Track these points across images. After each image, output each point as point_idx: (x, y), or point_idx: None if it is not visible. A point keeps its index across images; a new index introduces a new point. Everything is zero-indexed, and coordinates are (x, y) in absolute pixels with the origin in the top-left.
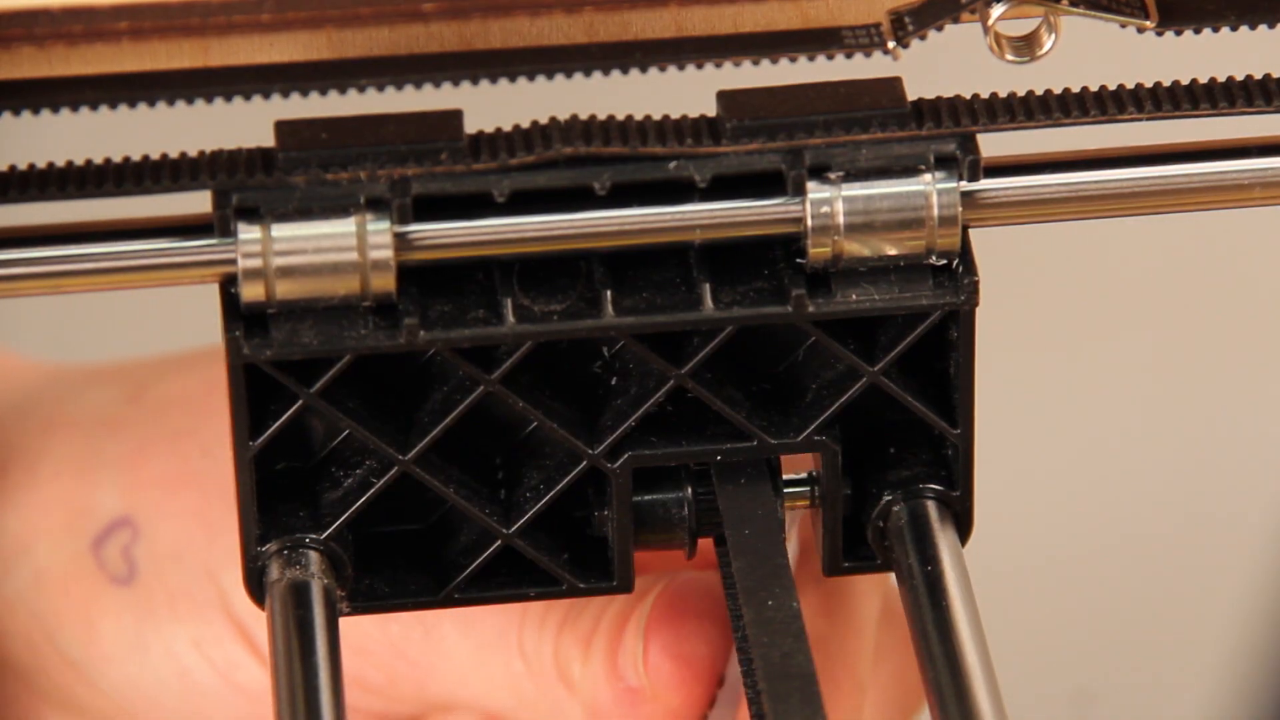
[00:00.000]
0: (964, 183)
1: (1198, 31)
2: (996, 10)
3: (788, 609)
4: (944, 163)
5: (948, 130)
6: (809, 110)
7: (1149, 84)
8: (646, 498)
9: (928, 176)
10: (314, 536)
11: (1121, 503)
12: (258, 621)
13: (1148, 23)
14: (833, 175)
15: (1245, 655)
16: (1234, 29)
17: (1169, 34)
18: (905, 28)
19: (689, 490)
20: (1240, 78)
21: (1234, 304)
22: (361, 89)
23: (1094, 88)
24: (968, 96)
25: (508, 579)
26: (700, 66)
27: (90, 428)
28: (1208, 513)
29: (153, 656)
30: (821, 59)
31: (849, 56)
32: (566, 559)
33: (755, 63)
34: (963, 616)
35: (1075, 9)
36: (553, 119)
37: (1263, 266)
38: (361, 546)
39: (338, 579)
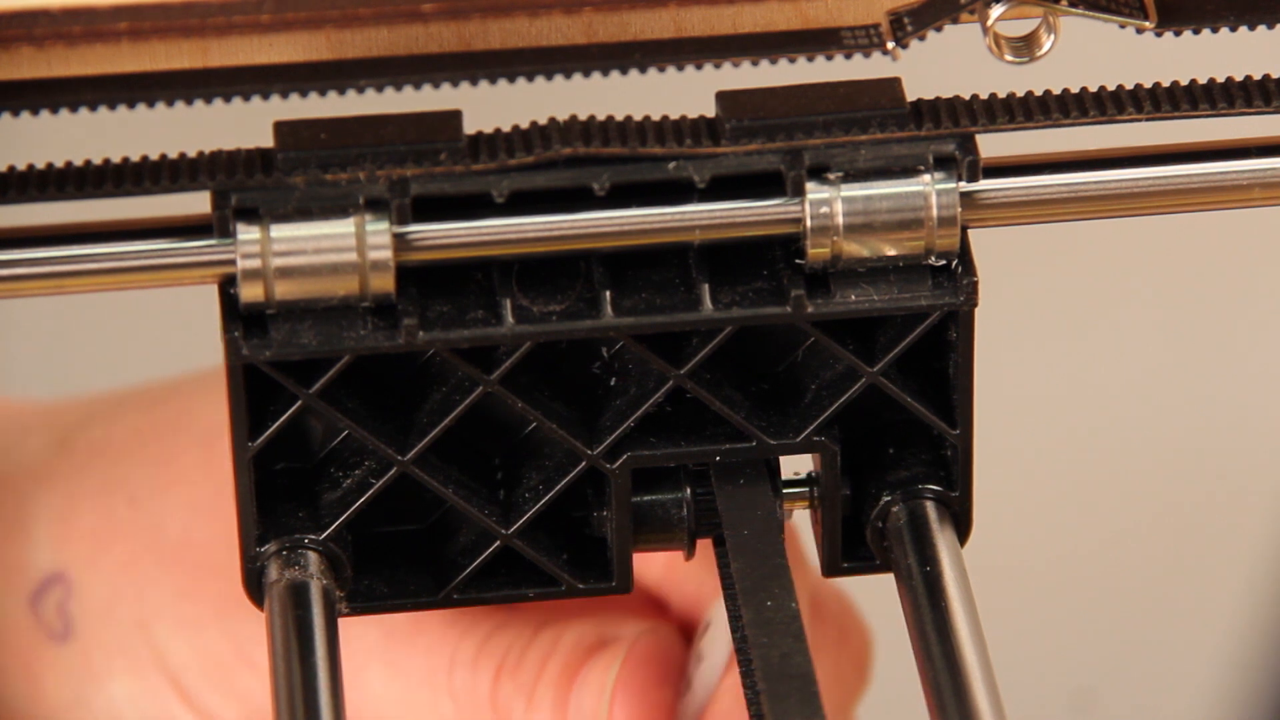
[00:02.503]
0: (963, 183)
1: (1197, 32)
2: (996, 11)
3: (786, 609)
4: (943, 163)
5: (947, 131)
6: (808, 111)
7: (1148, 84)
8: (646, 498)
9: (927, 177)
10: (313, 537)
11: (1121, 503)
12: (191, 675)
13: (1147, 23)
14: (832, 176)
15: (1245, 655)
16: (1233, 29)
17: (1168, 34)
18: (904, 28)
19: (688, 491)
20: (1240, 78)
21: (1234, 305)
22: (360, 89)
23: (1094, 88)
24: (967, 97)
25: (507, 579)
26: (699, 67)
27: (22, 481)
28: (1207, 512)
29: (95, 713)
30: (821, 59)
31: (848, 57)
32: (565, 559)
33: (754, 63)
34: (962, 617)
35: (1074, 9)
36: (552, 119)
37: (1263, 267)
38: (361, 547)
39: (337, 579)
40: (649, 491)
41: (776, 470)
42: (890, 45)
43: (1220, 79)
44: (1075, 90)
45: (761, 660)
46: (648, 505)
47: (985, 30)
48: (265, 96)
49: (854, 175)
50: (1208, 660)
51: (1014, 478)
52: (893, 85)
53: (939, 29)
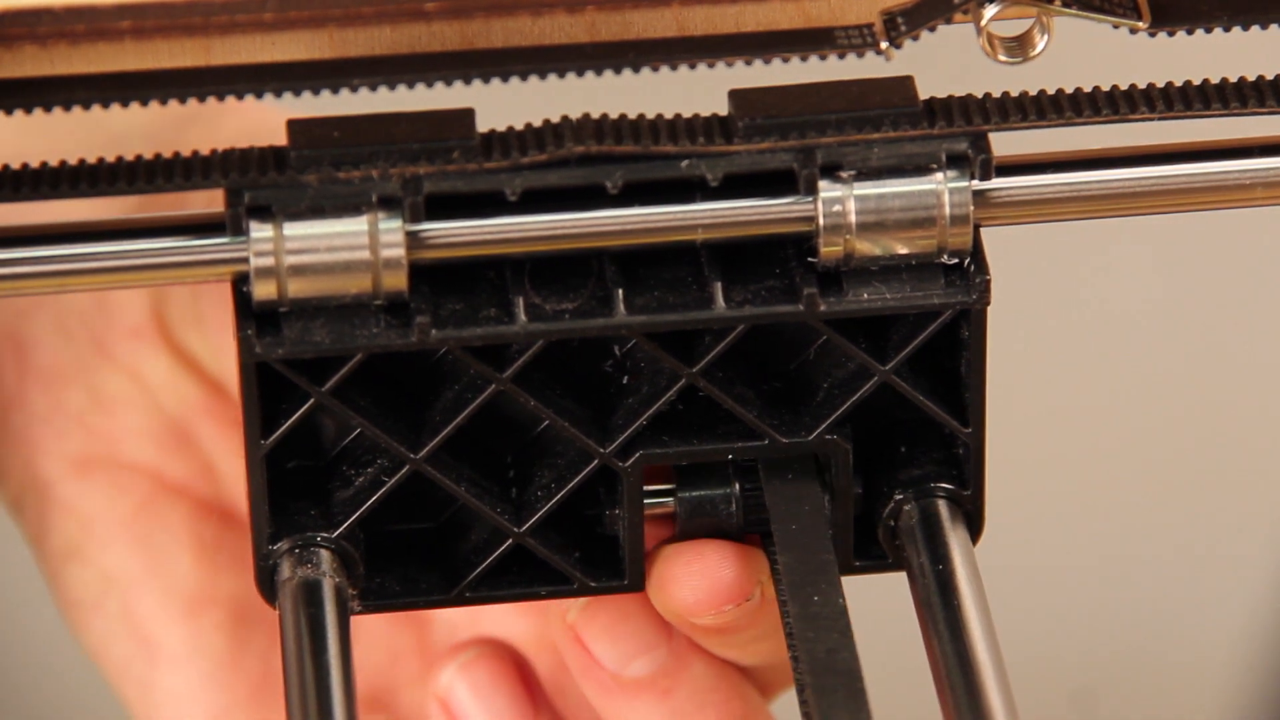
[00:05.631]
0: (976, 181)
1: (1190, 32)
2: (989, 11)
3: (833, 604)
4: (956, 161)
5: (960, 129)
6: (821, 109)
7: (1160, 84)
8: (694, 493)
9: (939, 175)
10: (325, 535)
11: (1131, 502)
12: None
13: (1140, 23)
14: (845, 174)
15: (1246, 656)
16: (1226, 29)
17: (1179, 34)
18: (898, 28)
19: (736, 486)
20: (1251, 78)
21: (1249, 305)
22: (365, 89)
23: (1106, 87)
24: (980, 95)
25: (519, 578)
26: (702, 66)
27: None
28: (1214, 513)
29: None
30: (834, 59)
31: (841, 57)
32: (578, 558)
33: (750, 63)
34: (974, 615)
35: (1067, 10)
36: (565, 118)
37: (1269, 267)
38: (373, 545)
39: (349, 577)
40: (698, 487)
41: (825, 467)
42: (884, 45)
43: (1232, 79)
44: (1087, 90)
45: (808, 655)
46: (696, 500)
47: (979, 30)
48: (275, 94)
49: (867, 173)
50: (1209, 661)
51: (1027, 476)
52: (905, 84)
53: (932, 29)
